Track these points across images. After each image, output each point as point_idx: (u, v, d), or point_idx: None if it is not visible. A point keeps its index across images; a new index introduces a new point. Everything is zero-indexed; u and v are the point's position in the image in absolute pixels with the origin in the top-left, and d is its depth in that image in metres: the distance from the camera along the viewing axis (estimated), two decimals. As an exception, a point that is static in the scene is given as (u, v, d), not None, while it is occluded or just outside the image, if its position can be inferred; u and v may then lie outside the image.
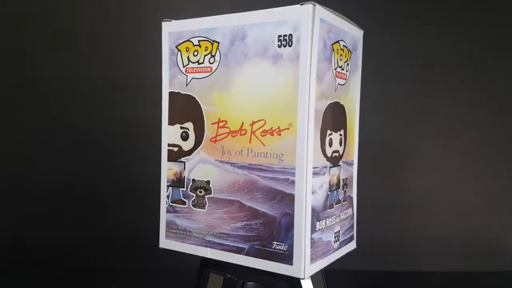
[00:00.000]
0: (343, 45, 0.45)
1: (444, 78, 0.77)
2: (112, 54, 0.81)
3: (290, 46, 0.41)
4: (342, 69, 0.45)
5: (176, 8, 0.80)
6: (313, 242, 0.42)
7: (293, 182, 0.41)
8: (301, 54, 0.40)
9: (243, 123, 0.43)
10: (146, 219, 0.59)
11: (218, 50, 0.45)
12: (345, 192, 0.48)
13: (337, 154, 0.45)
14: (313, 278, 0.49)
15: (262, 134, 0.42)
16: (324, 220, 0.43)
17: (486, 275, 0.71)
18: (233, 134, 0.44)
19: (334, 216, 0.45)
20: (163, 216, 0.49)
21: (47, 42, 0.80)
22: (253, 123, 0.43)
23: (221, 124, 0.45)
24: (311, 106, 0.40)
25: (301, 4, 0.40)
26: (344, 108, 0.47)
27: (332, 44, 0.43)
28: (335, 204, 0.45)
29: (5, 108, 0.80)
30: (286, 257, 0.42)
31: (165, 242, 0.49)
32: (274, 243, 0.42)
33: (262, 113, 0.42)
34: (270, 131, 0.42)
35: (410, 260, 0.76)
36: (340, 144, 0.46)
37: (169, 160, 0.49)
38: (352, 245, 0.50)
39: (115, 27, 0.81)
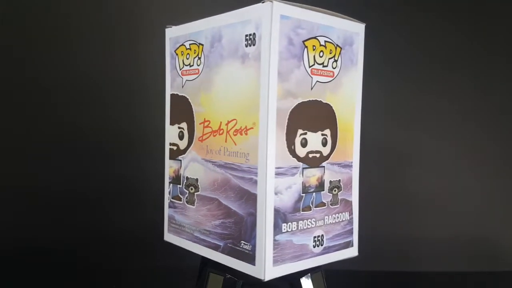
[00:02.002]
0: (325, 41, 0.43)
1: (446, 78, 0.75)
2: (116, 56, 0.81)
3: (254, 45, 0.40)
4: (325, 66, 0.43)
5: (182, 11, 0.80)
6: (277, 244, 0.41)
7: (256, 182, 0.41)
8: (262, 52, 0.40)
9: (221, 122, 0.44)
10: (146, 219, 0.62)
11: (202, 52, 0.46)
12: (335, 195, 0.45)
13: (317, 155, 0.44)
14: (313, 278, 0.48)
15: (234, 133, 0.43)
16: (294, 222, 0.42)
17: (486, 275, 0.70)
18: (214, 134, 0.45)
19: (313, 219, 0.44)
20: (166, 211, 0.52)
21: (48, 43, 0.81)
22: (228, 122, 0.44)
23: (206, 124, 0.46)
24: (271, 105, 0.40)
25: (262, 2, 0.40)
26: (330, 106, 0.44)
27: (304, 41, 0.42)
28: (315, 207, 0.44)
29: (7, 108, 0.81)
30: (250, 257, 0.41)
31: (168, 236, 0.52)
32: (242, 242, 0.42)
33: (234, 112, 0.43)
34: (240, 130, 0.42)
35: (410, 260, 0.75)
36: (324, 145, 0.44)
37: (170, 158, 0.51)
38: (350, 252, 0.48)
39: (119, 29, 0.81)
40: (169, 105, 0.52)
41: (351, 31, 0.46)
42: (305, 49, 0.42)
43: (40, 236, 0.75)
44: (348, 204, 0.47)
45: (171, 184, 0.51)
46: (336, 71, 0.45)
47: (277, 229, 0.41)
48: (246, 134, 0.41)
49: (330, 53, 0.44)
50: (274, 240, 0.41)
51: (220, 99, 0.44)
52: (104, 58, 0.83)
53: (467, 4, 0.77)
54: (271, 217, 0.40)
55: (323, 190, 0.44)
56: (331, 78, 0.44)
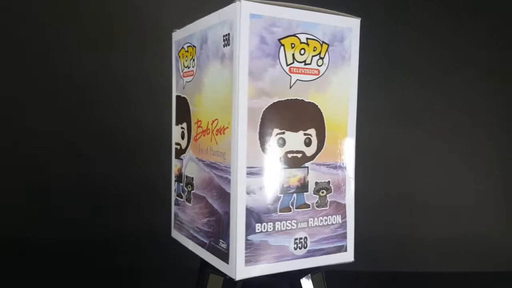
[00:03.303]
0: (308, 38, 0.42)
1: (446, 78, 0.74)
2: (123, 57, 0.80)
3: (229, 45, 0.41)
4: (307, 64, 0.42)
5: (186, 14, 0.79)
6: (250, 244, 0.41)
7: (230, 181, 0.41)
8: (234, 52, 0.40)
9: (207, 122, 0.45)
10: (146, 219, 0.64)
11: (195, 54, 0.47)
12: (322, 196, 0.44)
13: (298, 155, 0.43)
14: (314, 278, 0.47)
15: (216, 133, 0.43)
16: (270, 223, 0.42)
17: (486, 275, 0.70)
18: (204, 133, 0.46)
19: (294, 221, 0.43)
20: (173, 208, 0.54)
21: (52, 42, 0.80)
22: (213, 122, 0.44)
23: (198, 124, 0.48)
24: (241, 105, 0.40)
25: (234, 2, 0.40)
26: (315, 105, 0.43)
27: (280, 39, 0.41)
28: (297, 208, 0.43)
29: (16, 107, 0.80)
30: (226, 256, 0.42)
31: (173, 232, 0.54)
32: (220, 241, 0.43)
33: (216, 112, 0.43)
34: (220, 130, 0.43)
35: (410, 260, 0.74)
36: (308, 145, 0.43)
37: (175, 157, 0.53)
38: (342, 257, 0.46)
39: (125, 30, 0.80)
40: (175, 105, 0.53)
41: (342, 27, 0.44)
42: (282, 47, 0.41)
43: (40, 235, 0.75)
44: (340, 207, 0.45)
45: (176, 182, 0.53)
46: (322, 68, 0.43)
47: (249, 229, 0.41)
48: (224, 133, 0.42)
49: (314, 50, 0.43)
50: (247, 240, 0.41)
51: (208, 99, 0.45)
52: (113, 60, 0.81)
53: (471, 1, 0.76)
54: (242, 217, 0.40)
55: (307, 191, 0.43)
56: (315, 76, 0.43)
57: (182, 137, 0.51)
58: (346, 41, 0.45)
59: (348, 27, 0.45)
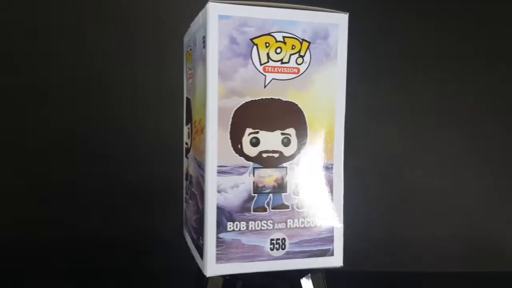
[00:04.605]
0: (284, 37, 0.42)
1: (444, 76, 0.72)
2: (139, 58, 0.79)
3: (205, 47, 0.42)
4: (284, 63, 0.42)
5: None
6: (222, 242, 0.41)
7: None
8: (205, 53, 0.41)
9: (196, 122, 0.47)
10: (146, 219, 0.65)
11: (192, 56, 0.49)
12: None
13: (274, 155, 0.42)
14: (314, 278, 0.47)
15: (200, 132, 0.45)
16: (243, 222, 0.42)
17: (486, 275, 0.70)
18: (197, 133, 0.48)
19: (270, 221, 0.42)
20: (184, 206, 0.56)
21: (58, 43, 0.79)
22: (199, 122, 0.46)
23: (195, 124, 0.49)
24: (211, 105, 0.41)
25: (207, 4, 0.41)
26: (295, 105, 0.42)
27: (252, 39, 0.41)
28: (273, 209, 0.42)
29: (28, 106, 0.78)
30: (202, 252, 0.43)
31: (184, 230, 0.56)
32: (200, 238, 0.44)
33: (200, 112, 0.45)
34: (201, 129, 0.44)
35: (410, 260, 0.73)
36: (286, 145, 0.42)
37: (185, 156, 0.55)
38: (328, 261, 0.44)
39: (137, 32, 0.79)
40: (184, 107, 0.56)
41: (326, 23, 0.43)
42: (254, 46, 0.41)
43: (41, 236, 0.74)
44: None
45: (185, 181, 0.55)
46: (302, 67, 0.42)
47: (221, 227, 0.41)
48: (202, 133, 0.43)
49: (293, 48, 0.42)
50: (218, 237, 0.41)
51: (195, 100, 0.47)
52: (123, 60, 0.80)
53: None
54: (213, 215, 0.41)
55: (285, 192, 0.43)
56: (295, 75, 0.42)
57: (188, 137, 0.53)
58: (331, 38, 0.43)
59: (333, 23, 0.43)
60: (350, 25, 0.44)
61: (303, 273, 0.47)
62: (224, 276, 0.46)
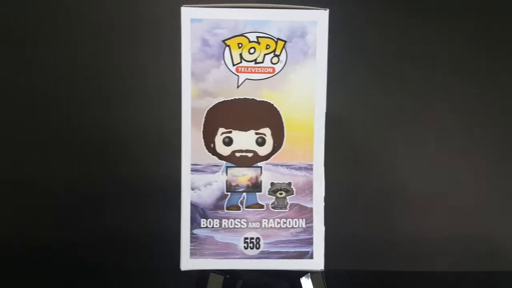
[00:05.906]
0: (258, 37, 0.42)
1: (445, 74, 0.70)
2: (142, 56, 0.75)
3: (184, 49, 0.44)
4: (259, 63, 0.42)
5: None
6: (196, 238, 0.43)
7: (183, 177, 0.44)
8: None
9: (190, 122, 0.49)
10: (146, 219, 0.65)
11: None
12: (280, 198, 0.43)
13: (248, 154, 0.43)
14: (313, 278, 0.47)
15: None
16: (216, 220, 0.43)
17: (486, 275, 0.70)
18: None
19: (244, 220, 0.43)
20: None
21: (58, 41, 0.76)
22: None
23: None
24: (184, 105, 0.42)
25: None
26: (271, 104, 0.43)
27: (225, 40, 0.42)
28: (247, 208, 0.43)
29: (29, 105, 0.76)
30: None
31: None
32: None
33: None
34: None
35: (409, 260, 0.71)
36: (261, 145, 0.43)
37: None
38: (307, 264, 0.43)
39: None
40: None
41: (303, 21, 0.42)
42: (227, 48, 0.42)
43: (41, 235, 0.74)
44: (304, 210, 0.43)
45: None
46: (278, 66, 0.42)
47: (194, 224, 0.43)
48: (184, 132, 0.45)
49: (267, 48, 0.42)
50: (192, 233, 0.43)
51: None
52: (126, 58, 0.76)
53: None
54: (187, 211, 0.43)
55: (260, 191, 0.43)
56: (269, 75, 0.42)
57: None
58: (308, 36, 0.42)
59: (311, 21, 0.42)
60: (335, 21, 0.43)
61: (303, 272, 0.46)
62: (224, 275, 0.47)
